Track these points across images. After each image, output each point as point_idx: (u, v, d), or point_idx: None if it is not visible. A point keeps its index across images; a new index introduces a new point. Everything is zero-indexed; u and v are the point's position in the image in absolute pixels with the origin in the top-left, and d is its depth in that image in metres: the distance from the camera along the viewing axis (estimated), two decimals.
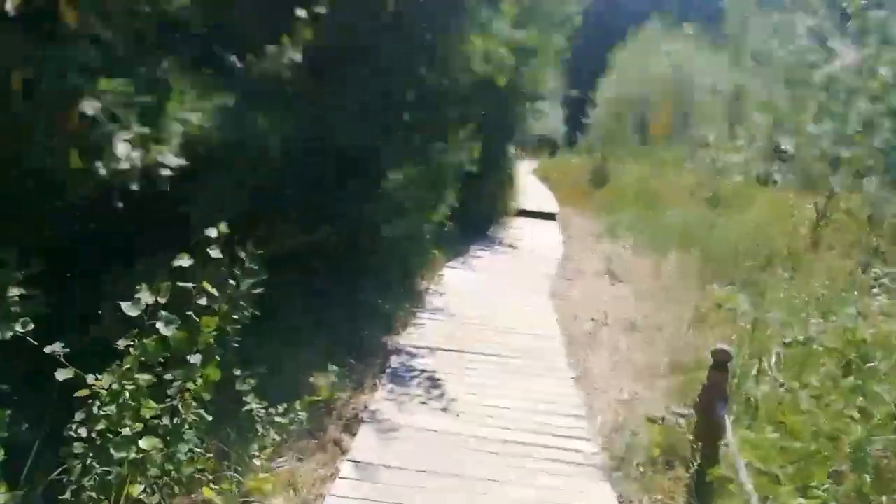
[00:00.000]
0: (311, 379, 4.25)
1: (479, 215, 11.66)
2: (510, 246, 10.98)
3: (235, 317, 3.36)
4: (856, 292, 5.55)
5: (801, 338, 3.92)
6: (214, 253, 3.13)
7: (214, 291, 3.08)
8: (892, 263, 7.07)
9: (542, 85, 12.54)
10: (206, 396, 3.01)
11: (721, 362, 3.35)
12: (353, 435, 3.96)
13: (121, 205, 2.84)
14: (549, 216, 14.66)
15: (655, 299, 7.73)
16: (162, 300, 2.84)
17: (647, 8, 36.08)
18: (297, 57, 3.72)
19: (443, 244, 8.76)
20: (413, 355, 5.27)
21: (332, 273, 5.62)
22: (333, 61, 5.35)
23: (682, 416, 3.95)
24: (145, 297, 2.81)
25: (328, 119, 5.18)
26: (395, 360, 5.11)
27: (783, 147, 12.76)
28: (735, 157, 17.92)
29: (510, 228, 12.74)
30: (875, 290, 5.69)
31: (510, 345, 5.77)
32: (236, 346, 3.41)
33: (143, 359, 2.78)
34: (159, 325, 2.82)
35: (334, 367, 4.35)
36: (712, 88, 21.61)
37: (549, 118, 27.80)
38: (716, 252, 9.64)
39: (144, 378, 2.76)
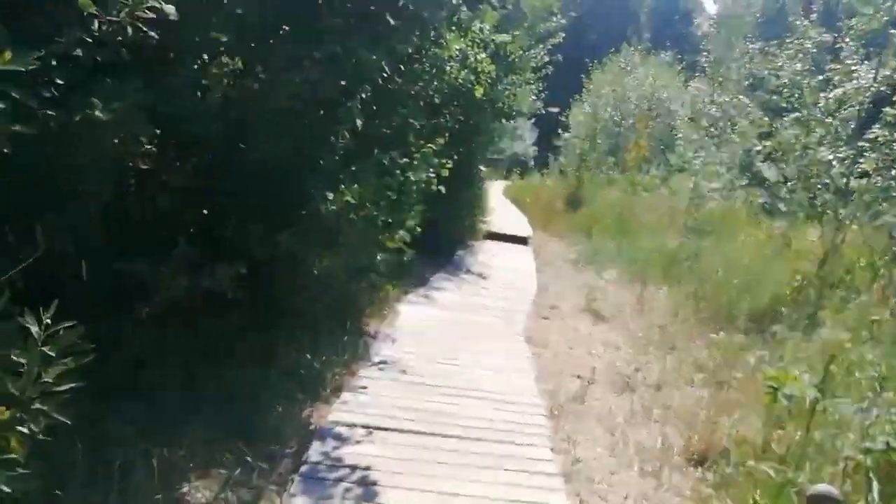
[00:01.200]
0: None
1: (445, 239, 10.39)
2: (479, 275, 9.71)
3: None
4: None
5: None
6: None
7: None
8: None
9: (521, 101, 11.42)
10: None
11: None
12: None
13: None
14: (521, 240, 13.47)
15: (648, 345, 6.53)
16: None
17: (621, 32, 35.85)
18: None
19: (401, 275, 7.43)
20: (344, 440, 3.90)
21: (231, 328, 4.24)
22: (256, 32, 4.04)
23: None
24: None
25: (234, 116, 3.86)
26: (316, 450, 3.73)
27: (767, 174, 11.85)
28: (714, 182, 17.10)
29: (479, 254, 11.48)
30: None
31: (478, 417, 4.47)
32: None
33: None
34: None
35: (223, 470, 2.97)
36: (691, 113, 20.90)
37: (522, 138, 26.89)
38: (709, 288, 8.54)
39: None
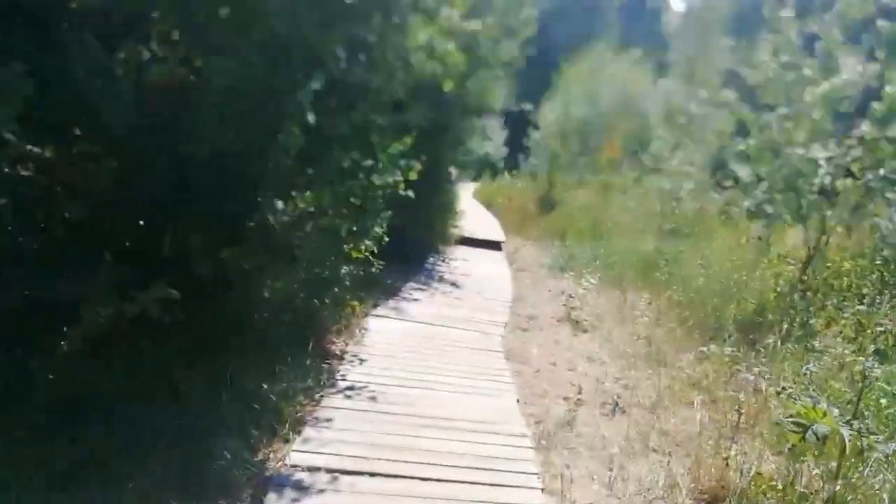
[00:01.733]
0: None
1: (415, 246, 9.86)
2: (452, 283, 9.19)
3: None
4: None
5: None
6: None
7: None
8: None
9: (493, 97, 10.92)
10: None
11: None
12: None
13: None
14: (495, 245, 13.02)
15: (634, 359, 6.08)
16: None
17: (589, 30, 35.66)
18: None
19: (369, 288, 6.88)
20: (305, 489, 3.35)
21: (174, 357, 3.65)
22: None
23: None
24: None
25: (164, 109, 3.28)
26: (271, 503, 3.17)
27: (740, 174, 11.56)
28: (687, 183, 16.86)
29: (452, 260, 10.97)
30: None
31: (460, 453, 3.95)
32: None
33: None
34: None
35: None
36: (664, 112, 20.74)
37: (491, 138, 26.44)
38: (692, 295, 8.17)
39: None
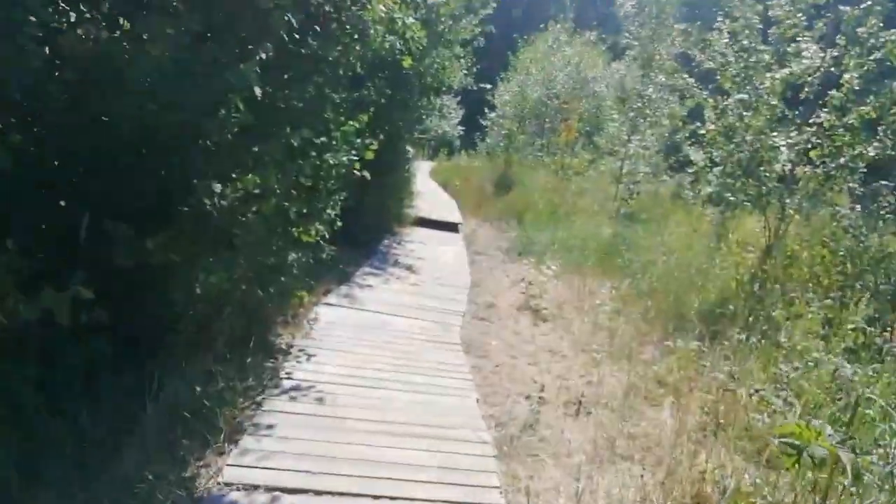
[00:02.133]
0: None
1: (369, 228, 9.44)
2: (408, 268, 8.82)
3: None
4: None
5: None
6: None
7: None
8: None
9: (452, 75, 10.50)
10: None
11: None
12: None
13: None
14: (452, 227, 12.68)
15: (596, 352, 5.85)
16: None
17: (545, 10, 35.30)
18: None
19: (319, 275, 6.44)
20: None
21: (93, 360, 3.19)
22: None
23: None
24: None
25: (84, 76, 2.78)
26: None
27: (693, 157, 11.50)
28: (642, 166, 16.83)
29: (407, 243, 10.58)
30: None
31: (415, 465, 3.62)
32: None
33: None
34: None
35: None
36: (619, 94, 20.66)
37: (448, 116, 25.98)
38: (653, 282, 8.03)
39: None
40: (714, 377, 4.83)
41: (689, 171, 12.29)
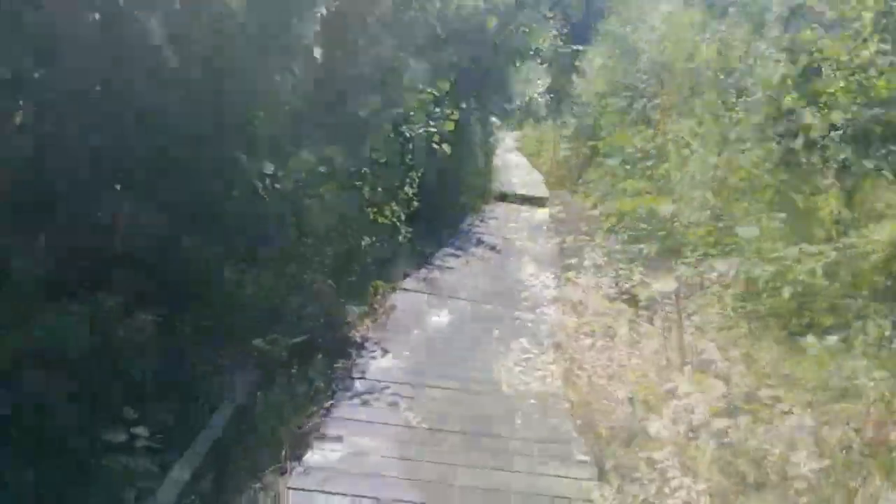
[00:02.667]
0: None
1: (449, 206, 8.89)
2: (492, 248, 8.24)
3: None
4: None
5: None
6: None
7: None
8: None
9: (540, 38, 9.72)
10: None
11: None
12: None
13: None
14: (538, 201, 11.94)
15: (721, 358, 5.07)
16: None
17: None
18: None
19: (398, 254, 5.98)
20: None
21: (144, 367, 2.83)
22: None
23: None
24: None
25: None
26: None
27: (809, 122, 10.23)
28: (747, 133, 15.39)
29: (490, 220, 9.99)
30: None
31: (502, 489, 3.08)
32: None
33: None
34: None
35: None
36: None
37: (535, 84, 24.89)
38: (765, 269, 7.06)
39: None
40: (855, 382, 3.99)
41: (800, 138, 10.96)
